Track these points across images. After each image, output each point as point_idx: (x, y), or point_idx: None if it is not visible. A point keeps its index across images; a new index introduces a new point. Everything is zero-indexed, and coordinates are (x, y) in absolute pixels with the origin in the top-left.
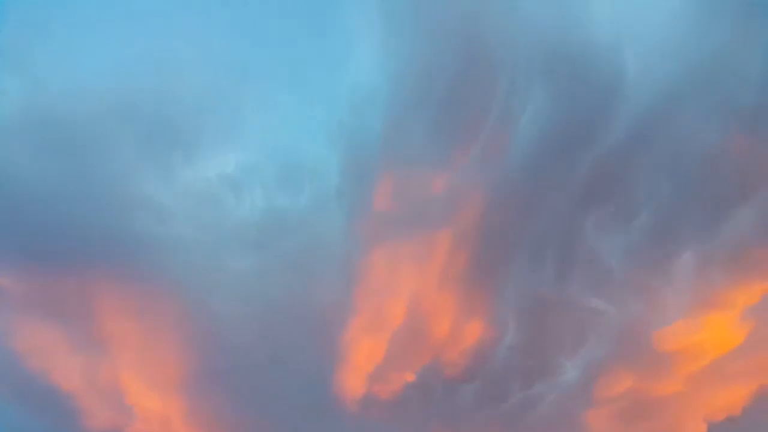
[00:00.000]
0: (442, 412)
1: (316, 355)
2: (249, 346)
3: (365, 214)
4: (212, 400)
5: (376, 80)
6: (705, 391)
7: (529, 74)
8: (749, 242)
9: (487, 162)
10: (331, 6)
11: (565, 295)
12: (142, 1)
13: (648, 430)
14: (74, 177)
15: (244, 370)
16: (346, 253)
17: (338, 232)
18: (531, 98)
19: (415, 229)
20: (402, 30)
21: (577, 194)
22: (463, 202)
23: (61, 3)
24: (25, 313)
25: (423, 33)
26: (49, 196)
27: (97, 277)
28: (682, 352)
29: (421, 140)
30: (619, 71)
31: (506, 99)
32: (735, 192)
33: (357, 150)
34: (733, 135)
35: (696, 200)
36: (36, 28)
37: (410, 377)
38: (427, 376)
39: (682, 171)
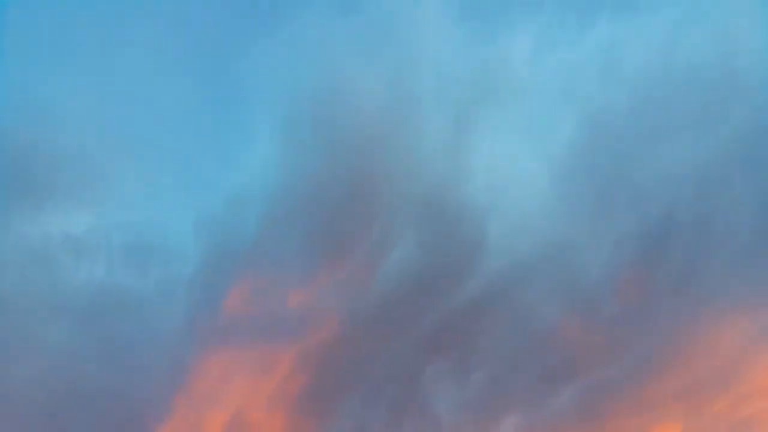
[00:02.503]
0: None
1: None
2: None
3: (211, 313)
4: None
5: (261, 182)
6: None
7: (405, 218)
8: (568, 419)
9: (347, 290)
10: (237, 97)
11: None
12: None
13: None
14: None
15: None
16: (179, 351)
17: (176, 326)
18: (402, 241)
19: (260, 341)
20: (300, 143)
21: (424, 340)
22: (314, 325)
23: None
24: None
25: (319, 151)
26: None
27: None
28: None
29: (291, 253)
30: (482, 236)
31: (379, 235)
32: (563, 369)
33: (221, 245)
34: (568, 317)
35: (528, 369)
36: None
37: None
38: None
39: (520, 339)
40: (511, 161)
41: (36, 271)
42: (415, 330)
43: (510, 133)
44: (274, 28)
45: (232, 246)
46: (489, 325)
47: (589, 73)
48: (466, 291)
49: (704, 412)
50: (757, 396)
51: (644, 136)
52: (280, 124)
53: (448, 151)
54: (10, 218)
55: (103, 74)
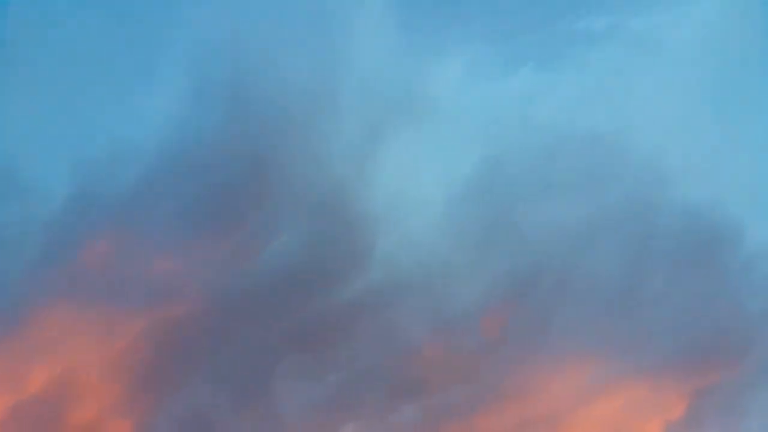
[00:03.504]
0: None
1: None
2: None
3: (63, 262)
4: None
5: (155, 135)
6: None
7: (297, 209)
8: None
9: (219, 269)
10: (147, 39)
11: (231, 429)
12: None
13: None
14: None
15: None
16: (18, 295)
17: (23, 268)
18: (290, 231)
19: (110, 302)
20: (207, 105)
21: (285, 335)
22: (174, 297)
23: None
24: None
25: (225, 119)
26: None
27: None
28: None
29: (168, 216)
30: (369, 245)
31: (267, 220)
32: (412, 387)
33: (93, 192)
34: (431, 338)
35: (379, 382)
36: None
37: None
38: None
39: (380, 352)
40: (412, 179)
41: None
42: (279, 323)
43: (418, 153)
44: None
45: (104, 194)
46: (354, 333)
47: (504, 115)
48: (340, 295)
49: None
50: None
51: (537, 185)
52: (190, 80)
53: (355, 154)
54: None
55: None
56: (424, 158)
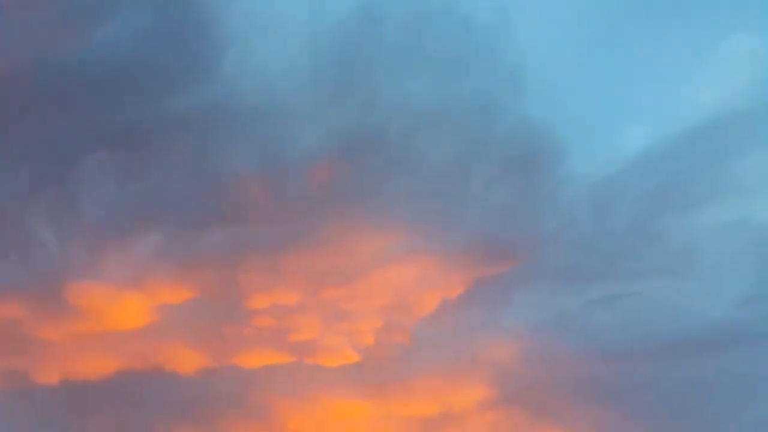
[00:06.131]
0: None
1: None
2: None
3: None
4: None
5: None
6: None
7: None
8: (206, 257)
9: (40, 37)
10: None
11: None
12: None
13: None
14: None
15: None
16: None
17: None
18: (129, 18)
19: None
20: None
21: (102, 130)
22: None
23: None
24: None
25: None
26: None
27: None
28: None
29: None
30: (216, 60)
31: None
32: (224, 215)
33: None
34: (256, 173)
35: (192, 200)
36: None
37: None
38: None
39: (200, 172)
40: (280, 8)
41: None
42: (94, 116)
43: None
44: None
45: None
46: (175, 148)
47: None
48: (169, 105)
49: (314, 293)
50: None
51: (403, 57)
52: None
53: None
54: None
55: None
56: None
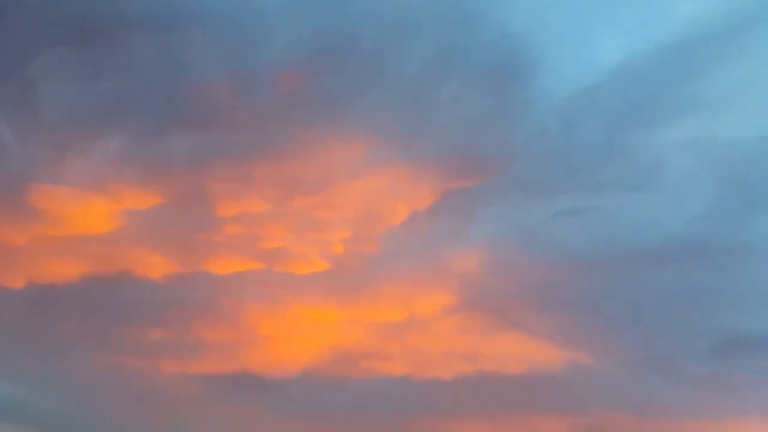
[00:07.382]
0: None
1: None
2: None
3: None
4: None
5: None
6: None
7: None
8: (172, 160)
9: None
10: None
11: None
12: None
13: None
14: None
15: None
16: None
17: None
18: None
19: None
20: None
21: (59, 23)
22: None
23: None
24: None
25: None
26: None
27: None
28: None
29: None
30: None
31: None
32: (190, 118)
33: None
34: (224, 78)
35: (156, 105)
36: None
37: None
38: None
39: (161, 75)
40: None
41: None
42: (57, 10)
43: None
44: None
45: None
46: (140, 46)
47: None
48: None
49: (284, 202)
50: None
51: None
52: None
53: None
54: None
55: None
56: None
